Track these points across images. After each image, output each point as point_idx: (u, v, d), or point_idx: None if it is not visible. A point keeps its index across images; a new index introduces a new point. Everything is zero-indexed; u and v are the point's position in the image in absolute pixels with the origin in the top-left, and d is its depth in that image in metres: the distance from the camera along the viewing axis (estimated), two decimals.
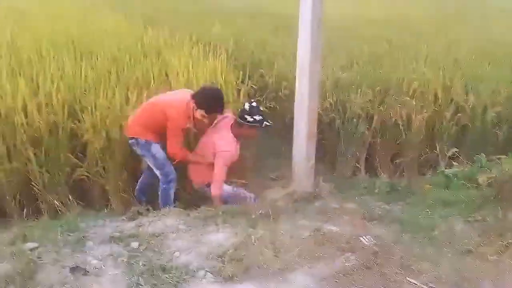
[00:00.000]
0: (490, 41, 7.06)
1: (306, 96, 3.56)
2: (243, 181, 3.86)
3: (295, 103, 3.63)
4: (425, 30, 8.17)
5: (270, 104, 4.87)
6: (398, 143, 4.40)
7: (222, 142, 3.54)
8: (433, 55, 5.76)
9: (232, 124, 3.65)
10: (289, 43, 6.01)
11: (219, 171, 3.49)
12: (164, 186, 3.54)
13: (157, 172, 3.52)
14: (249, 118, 3.54)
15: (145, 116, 3.46)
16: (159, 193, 3.58)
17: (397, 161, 4.42)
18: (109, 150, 3.63)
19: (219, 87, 3.93)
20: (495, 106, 4.32)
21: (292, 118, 3.70)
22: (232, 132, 3.61)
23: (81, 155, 3.69)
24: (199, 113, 3.42)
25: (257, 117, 3.56)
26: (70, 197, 3.62)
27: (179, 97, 3.51)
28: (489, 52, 6.08)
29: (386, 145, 4.43)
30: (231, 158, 3.56)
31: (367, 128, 4.35)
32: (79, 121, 3.65)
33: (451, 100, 4.38)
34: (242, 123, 3.57)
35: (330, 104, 4.50)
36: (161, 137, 3.45)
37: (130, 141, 3.50)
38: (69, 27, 6.78)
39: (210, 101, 3.42)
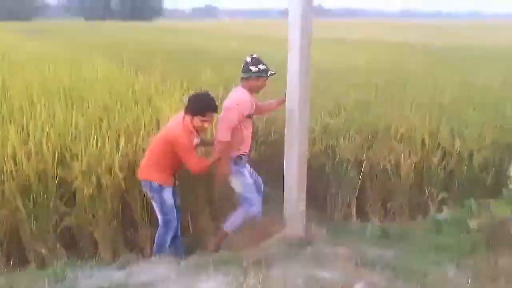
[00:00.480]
0: (473, 86, 7.28)
1: (295, 141, 3.61)
2: None
3: (285, 148, 3.68)
4: (410, 76, 8.42)
5: (260, 148, 4.91)
6: (388, 188, 4.43)
7: (224, 103, 3.60)
8: (419, 100, 5.91)
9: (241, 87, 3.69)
10: (278, 88, 6.16)
11: (220, 130, 3.50)
12: (162, 231, 3.53)
13: (160, 217, 3.53)
14: (253, 69, 3.57)
15: (153, 154, 3.48)
16: (156, 237, 3.56)
17: (388, 205, 4.42)
18: (99, 197, 3.60)
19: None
20: (481, 151, 4.39)
21: (282, 163, 3.73)
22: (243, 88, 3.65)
23: (70, 202, 3.65)
24: (197, 121, 3.39)
25: (261, 67, 3.60)
26: (58, 245, 3.55)
27: (174, 120, 3.54)
28: (473, 97, 6.25)
29: (376, 189, 4.45)
30: (239, 113, 3.54)
31: (357, 173, 4.38)
32: (68, 168, 3.64)
33: (438, 145, 4.45)
34: (249, 76, 3.60)
35: (320, 149, 4.55)
36: (175, 172, 3.52)
37: (142, 183, 3.52)
38: (60, 75, 6.89)
39: (200, 103, 3.42)
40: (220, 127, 3.52)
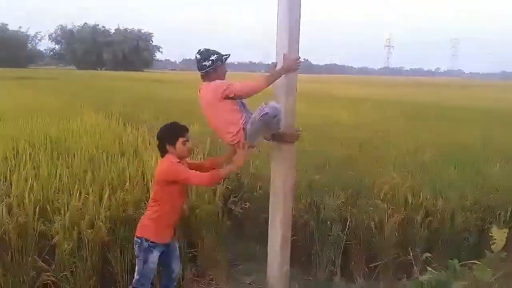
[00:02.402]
0: (455, 144, 7.48)
1: (280, 198, 3.63)
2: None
3: (270, 206, 3.69)
4: (393, 132, 8.64)
5: (245, 204, 4.90)
6: (372, 247, 4.42)
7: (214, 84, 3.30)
8: (401, 158, 6.04)
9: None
10: (264, 143, 6.24)
11: (241, 85, 3.21)
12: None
13: (136, 276, 3.34)
14: (207, 63, 3.34)
15: (152, 206, 3.34)
16: None
17: (372, 265, 4.39)
18: (79, 253, 3.52)
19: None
20: (463, 211, 4.45)
21: (267, 219, 3.72)
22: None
23: (49, 258, 3.55)
24: (180, 145, 3.30)
25: (213, 57, 3.35)
26: None
27: (160, 164, 3.41)
28: (454, 155, 6.41)
29: (361, 248, 4.44)
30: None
31: (341, 230, 4.38)
32: (50, 223, 3.58)
33: (421, 204, 4.51)
34: (206, 72, 3.36)
35: (304, 205, 4.57)
36: (174, 222, 3.41)
37: (135, 240, 3.33)
38: (48, 125, 6.90)
39: (172, 129, 3.37)
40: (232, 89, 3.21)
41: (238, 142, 3.31)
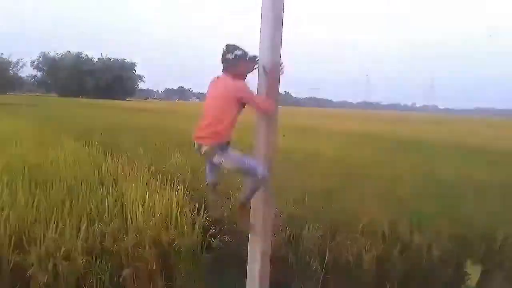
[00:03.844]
0: (430, 176, 7.66)
1: (259, 237, 3.65)
2: None
3: (249, 244, 3.69)
4: (371, 166, 8.79)
5: (225, 237, 4.89)
6: (351, 281, 4.43)
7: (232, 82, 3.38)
8: (380, 191, 6.15)
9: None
10: None
11: (256, 98, 3.36)
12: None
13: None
14: (230, 56, 3.42)
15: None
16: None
17: None
18: (54, 286, 3.44)
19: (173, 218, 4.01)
20: (440, 245, 4.53)
21: (247, 252, 3.72)
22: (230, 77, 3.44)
23: None
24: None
25: (237, 52, 3.44)
26: None
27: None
28: (431, 189, 6.55)
29: (339, 282, 4.45)
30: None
31: (320, 264, 4.39)
32: (24, 254, 3.50)
33: (398, 237, 4.58)
34: (231, 66, 3.43)
35: (283, 238, 4.59)
36: None
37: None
38: (27, 154, 6.81)
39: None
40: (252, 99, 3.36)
41: (210, 144, 3.34)
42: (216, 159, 3.39)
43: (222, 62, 3.51)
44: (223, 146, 3.37)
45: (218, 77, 3.52)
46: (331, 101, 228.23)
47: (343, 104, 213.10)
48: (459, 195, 6.19)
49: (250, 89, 3.40)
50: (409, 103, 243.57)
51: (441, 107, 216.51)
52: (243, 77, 3.52)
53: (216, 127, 3.35)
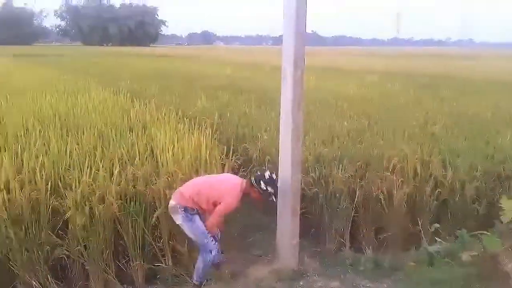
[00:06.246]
0: (464, 115, 7.38)
1: (288, 172, 3.64)
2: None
3: (279, 180, 3.70)
4: (402, 105, 8.54)
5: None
6: (381, 218, 4.43)
7: (229, 194, 3.65)
8: (411, 129, 5.98)
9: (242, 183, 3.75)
10: (272, 118, 6.22)
11: (217, 215, 3.63)
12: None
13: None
14: (263, 186, 3.62)
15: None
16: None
17: (381, 236, 4.42)
18: (91, 228, 3.58)
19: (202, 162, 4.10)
20: (473, 181, 4.43)
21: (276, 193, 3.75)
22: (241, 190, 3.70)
23: (62, 233, 3.62)
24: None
25: (270, 189, 3.63)
26: (49, 277, 3.51)
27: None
28: (464, 127, 6.33)
29: (369, 220, 4.46)
30: (231, 210, 3.66)
31: (350, 203, 4.39)
32: (61, 198, 3.62)
33: (430, 175, 4.48)
34: (254, 186, 3.65)
35: (313, 178, 4.57)
36: None
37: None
38: (56, 102, 6.91)
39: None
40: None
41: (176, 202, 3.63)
42: (178, 220, 3.64)
43: (255, 178, 3.68)
44: (188, 210, 3.61)
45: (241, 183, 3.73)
46: (359, 38, 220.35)
47: (373, 42, 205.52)
48: (494, 131, 5.96)
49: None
50: (443, 38, 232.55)
51: (477, 41, 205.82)
52: (248, 196, 3.74)
53: (191, 193, 3.61)
